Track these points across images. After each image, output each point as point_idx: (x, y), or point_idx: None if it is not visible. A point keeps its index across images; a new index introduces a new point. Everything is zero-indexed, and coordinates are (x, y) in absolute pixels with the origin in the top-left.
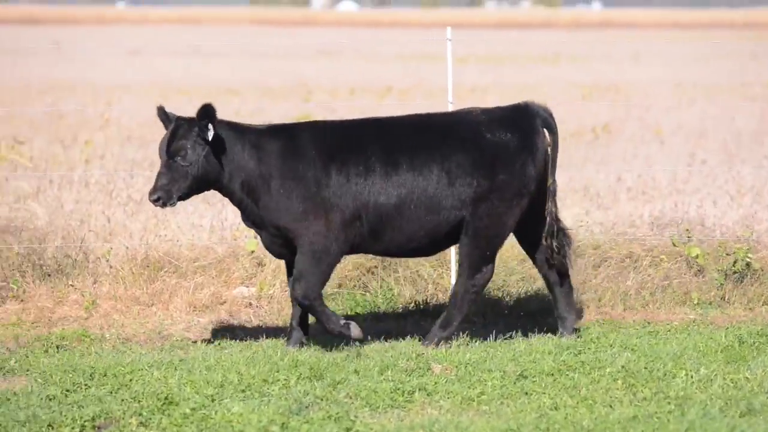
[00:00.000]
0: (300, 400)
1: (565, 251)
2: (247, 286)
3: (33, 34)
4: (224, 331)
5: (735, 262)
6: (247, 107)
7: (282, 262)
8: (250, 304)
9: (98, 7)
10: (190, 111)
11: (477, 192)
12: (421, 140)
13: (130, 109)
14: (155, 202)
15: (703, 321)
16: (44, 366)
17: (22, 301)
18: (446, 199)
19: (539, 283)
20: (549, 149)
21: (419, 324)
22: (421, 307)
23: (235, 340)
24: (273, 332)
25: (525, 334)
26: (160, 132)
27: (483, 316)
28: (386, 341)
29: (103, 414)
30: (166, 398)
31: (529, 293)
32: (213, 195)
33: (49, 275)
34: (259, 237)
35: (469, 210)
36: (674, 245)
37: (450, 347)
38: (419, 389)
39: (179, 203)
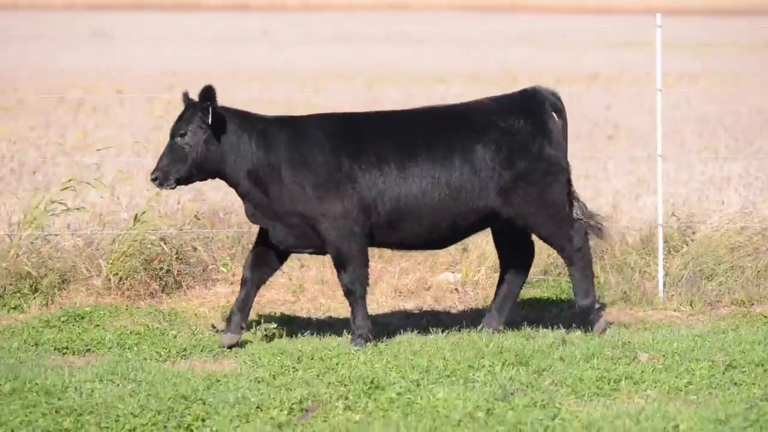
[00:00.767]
0: (505, 387)
1: (595, 225)
2: (453, 272)
3: (241, 22)
4: (429, 317)
5: None
6: (452, 94)
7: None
8: (456, 289)
9: None
10: (398, 99)
11: (500, 182)
12: (437, 132)
13: (337, 96)
14: (153, 181)
15: None
16: (253, 348)
17: (231, 284)
18: (468, 189)
19: (748, 273)
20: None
21: (626, 312)
22: (628, 295)
23: (440, 325)
24: (478, 318)
25: (733, 324)
26: None
27: (690, 304)
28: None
29: (310, 397)
30: (372, 382)
31: (737, 282)
32: None
33: None
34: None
35: (499, 202)
36: None
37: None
38: (625, 378)
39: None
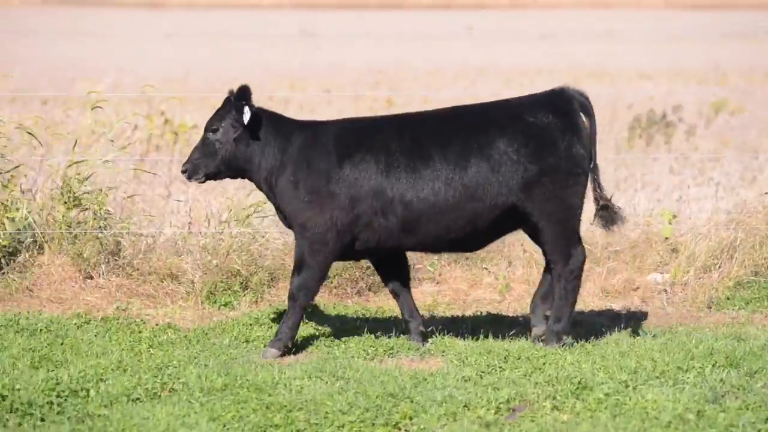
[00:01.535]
0: (715, 389)
1: (613, 226)
2: (661, 273)
3: (445, 20)
4: (637, 317)
5: None
6: (659, 91)
7: None
8: (665, 290)
9: None
10: (603, 95)
11: (525, 177)
12: (458, 131)
13: None
14: (183, 173)
15: None
16: (459, 347)
17: (437, 283)
18: (485, 186)
19: None
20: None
21: None
22: None
23: (648, 326)
24: (687, 319)
25: None
26: None
27: None
28: None
29: (517, 396)
30: (579, 383)
31: None
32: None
33: (465, 258)
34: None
35: (522, 197)
36: None
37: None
38: None
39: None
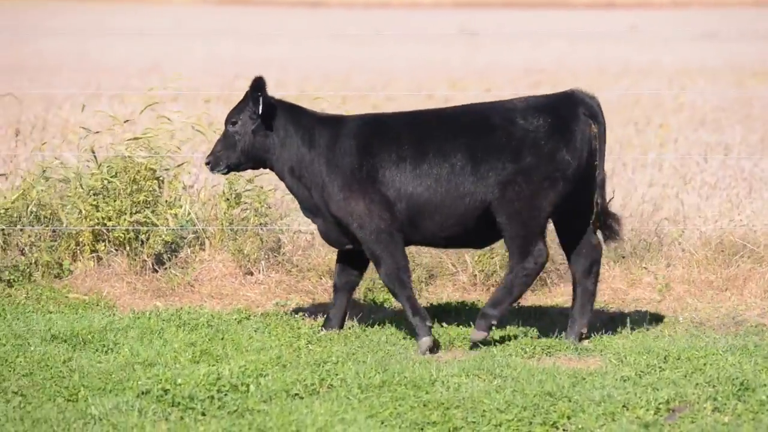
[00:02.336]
0: None
1: (615, 238)
2: None
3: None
4: None
5: None
6: None
7: None
8: None
9: None
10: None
11: (502, 176)
12: (450, 130)
13: (705, 93)
14: (206, 165)
15: None
16: (618, 347)
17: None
18: (470, 185)
19: None
20: (594, 139)
21: None
22: None
23: None
24: None
25: None
26: (735, 115)
27: None
28: None
29: (677, 397)
30: (741, 384)
31: None
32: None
33: (624, 257)
34: (316, 226)
35: (496, 194)
36: None
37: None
38: None
39: (238, 174)
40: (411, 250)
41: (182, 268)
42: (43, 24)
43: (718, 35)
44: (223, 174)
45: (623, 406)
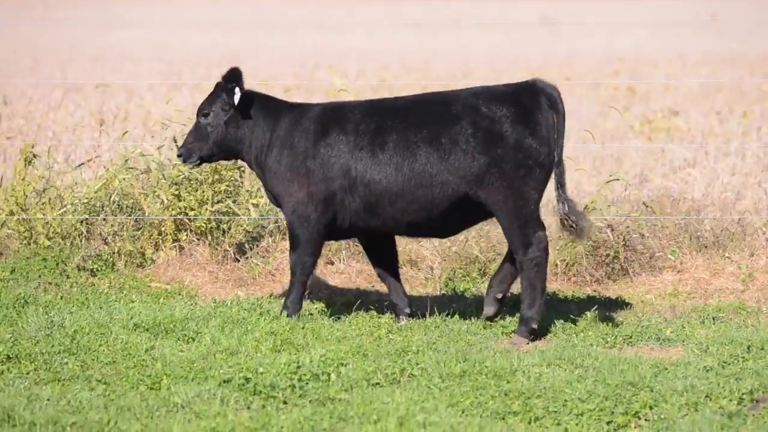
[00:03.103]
0: None
1: (578, 227)
2: None
3: (688, 6)
4: None
5: None
6: None
7: None
8: None
9: None
10: None
11: (475, 168)
12: (413, 119)
13: None
14: (178, 158)
15: None
16: (701, 337)
17: (678, 271)
18: (433, 174)
19: None
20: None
21: None
22: None
23: None
24: None
25: None
26: None
27: None
28: None
29: (761, 387)
30: None
31: None
32: None
33: (706, 247)
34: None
35: (474, 187)
36: None
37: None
38: None
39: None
40: (492, 237)
41: (263, 257)
42: (124, 16)
43: None
44: (195, 166)
45: (706, 396)
